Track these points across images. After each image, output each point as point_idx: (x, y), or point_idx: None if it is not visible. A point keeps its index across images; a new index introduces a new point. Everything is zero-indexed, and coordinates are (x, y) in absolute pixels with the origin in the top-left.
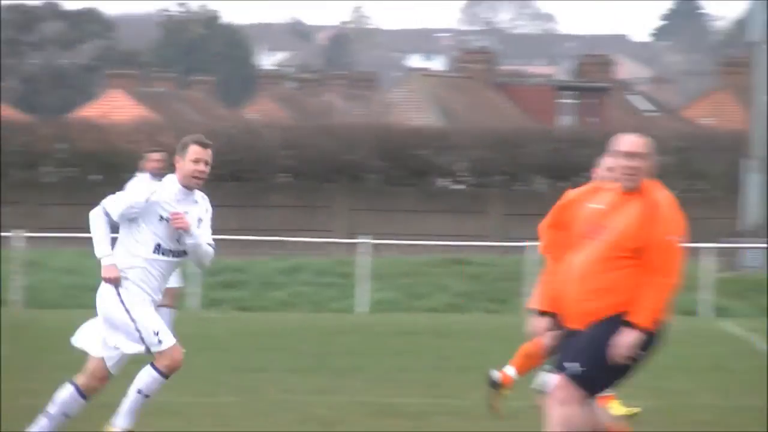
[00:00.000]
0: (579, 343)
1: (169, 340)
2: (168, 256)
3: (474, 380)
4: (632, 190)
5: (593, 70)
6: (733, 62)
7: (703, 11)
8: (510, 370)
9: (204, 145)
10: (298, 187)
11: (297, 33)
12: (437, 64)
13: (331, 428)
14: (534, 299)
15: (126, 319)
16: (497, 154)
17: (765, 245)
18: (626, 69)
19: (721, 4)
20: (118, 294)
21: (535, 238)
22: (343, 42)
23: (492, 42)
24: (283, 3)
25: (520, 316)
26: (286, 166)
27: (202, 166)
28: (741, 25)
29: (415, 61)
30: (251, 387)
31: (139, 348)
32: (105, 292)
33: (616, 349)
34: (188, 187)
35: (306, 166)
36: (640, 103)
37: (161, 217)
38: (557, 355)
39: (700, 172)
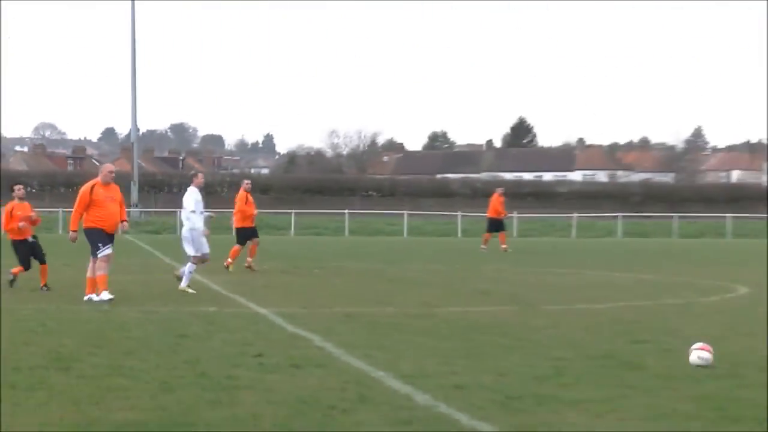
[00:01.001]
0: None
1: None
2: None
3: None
4: (110, 183)
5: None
6: (126, 148)
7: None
8: (229, 260)
9: (203, 173)
10: None
11: None
12: None
13: None
14: (73, 224)
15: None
16: None
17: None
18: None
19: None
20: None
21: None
22: None
23: None
24: None
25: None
26: None
27: (203, 183)
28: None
29: None
30: None
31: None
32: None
33: (123, 227)
34: (201, 189)
35: None
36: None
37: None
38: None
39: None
